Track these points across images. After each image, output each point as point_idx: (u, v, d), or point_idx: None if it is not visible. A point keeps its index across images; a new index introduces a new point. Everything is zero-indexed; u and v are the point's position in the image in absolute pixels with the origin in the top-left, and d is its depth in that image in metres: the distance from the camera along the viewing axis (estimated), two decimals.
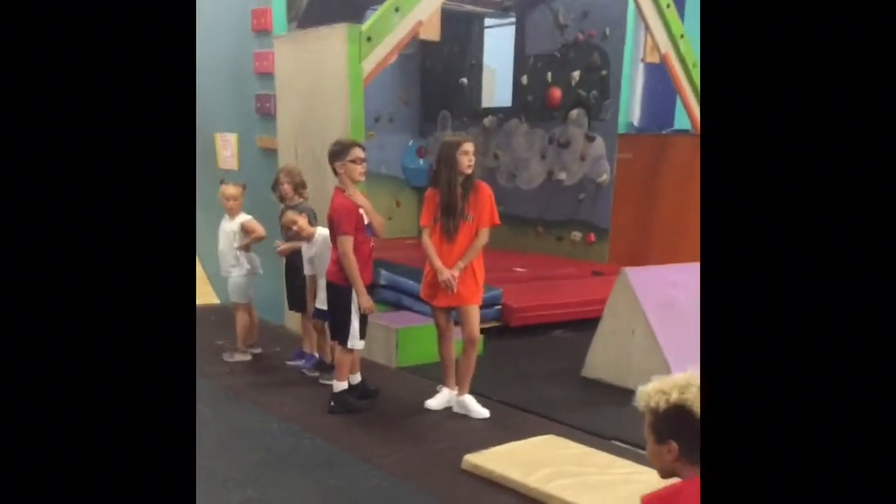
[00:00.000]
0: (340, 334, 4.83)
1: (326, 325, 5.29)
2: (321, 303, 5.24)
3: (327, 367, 5.41)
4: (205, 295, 7.40)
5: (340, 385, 4.87)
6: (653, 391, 1.93)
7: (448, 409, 4.87)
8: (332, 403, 4.85)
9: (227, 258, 5.81)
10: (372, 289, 5.04)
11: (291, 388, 5.34)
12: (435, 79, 10.54)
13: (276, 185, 5.66)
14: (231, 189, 5.78)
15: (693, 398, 1.85)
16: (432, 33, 6.94)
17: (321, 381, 5.33)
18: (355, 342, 4.82)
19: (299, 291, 5.60)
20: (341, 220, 4.65)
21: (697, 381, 1.84)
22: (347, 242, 4.62)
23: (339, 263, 4.71)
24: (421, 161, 10.47)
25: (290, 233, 5.37)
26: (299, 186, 5.56)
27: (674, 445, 1.91)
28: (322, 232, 5.14)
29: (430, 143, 10.27)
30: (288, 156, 6.33)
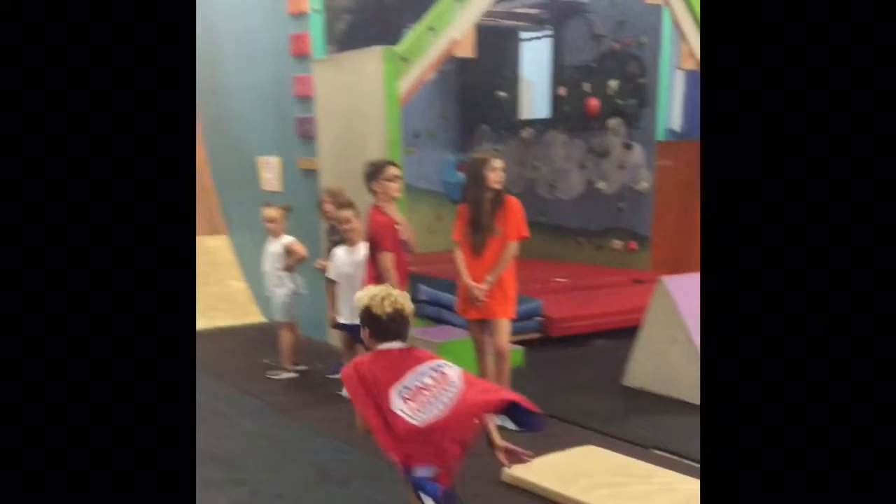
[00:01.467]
0: None
1: (354, 338, 5.41)
2: (344, 316, 5.32)
3: None
4: (250, 314, 7.54)
5: None
6: (359, 297, 2.84)
7: None
8: None
9: (270, 278, 5.95)
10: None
11: (333, 403, 5.38)
12: (473, 93, 10.59)
13: (321, 205, 5.81)
14: (272, 211, 5.92)
15: (376, 303, 2.75)
16: (467, 50, 6.99)
17: None
18: None
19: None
20: (382, 238, 4.73)
21: (383, 291, 2.79)
22: (388, 259, 4.71)
23: (377, 280, 4.79)
24: (460, 175, 10.52)
25: (342, 227, 5.42)
26: (343, 206, 5.66)
27: (367, 331, 2.81)
28: (365, 246, 5.22)
29: (469, 157, 10.32)
30: (329, 176, 6.44)
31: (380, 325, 2.81)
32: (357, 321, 5.10)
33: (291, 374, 5.95)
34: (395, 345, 2.78)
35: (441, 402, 2.61)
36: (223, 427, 4.91)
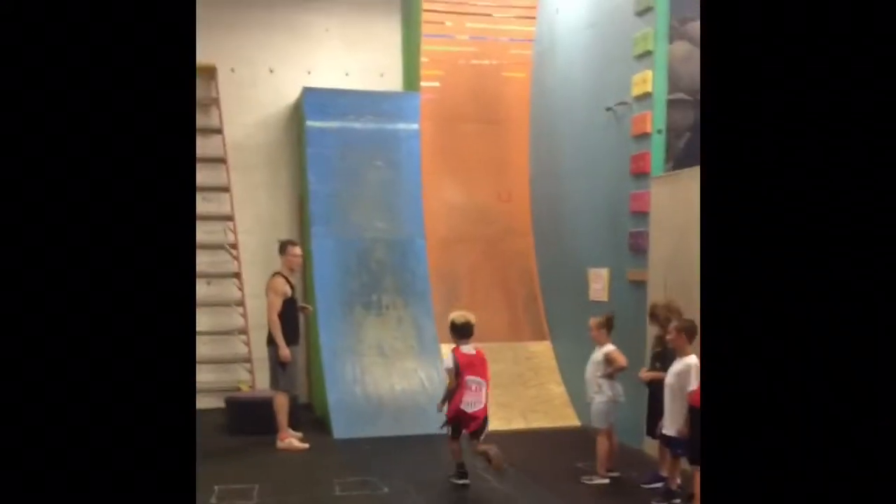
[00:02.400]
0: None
1: (673, 451, 5.25)
2: (669, 429, 5.18)
3: (674, 494, 5.30)
4: (566, 417, 7.59)
5: None
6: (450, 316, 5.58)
7: None
8: None
9: (591, 385, 5.97)
10: None
11: None
12: None
13: (653, 315, 5.83)
14: (598, 320, 6.08)
15: (456, 317, 5.67)
16: None
17: None
18: None
19: (658, 420, 5.57)
20: None
21: (460, 311, 5.76)
22: None
23: None
24: None
25: (668, 338, 5.35)
26: (668, 318, 5.61)
27: (453, 335, 5.49)
28: (692, 360, 5.12)
29: None
30: (657, 288, 6.45)
31: (456, 330, 5.58)
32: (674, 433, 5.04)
33: (605, 481, 5.86)
34: (468, 347, 5.59)
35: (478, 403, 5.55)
36: None
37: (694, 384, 4.89)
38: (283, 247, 7.01)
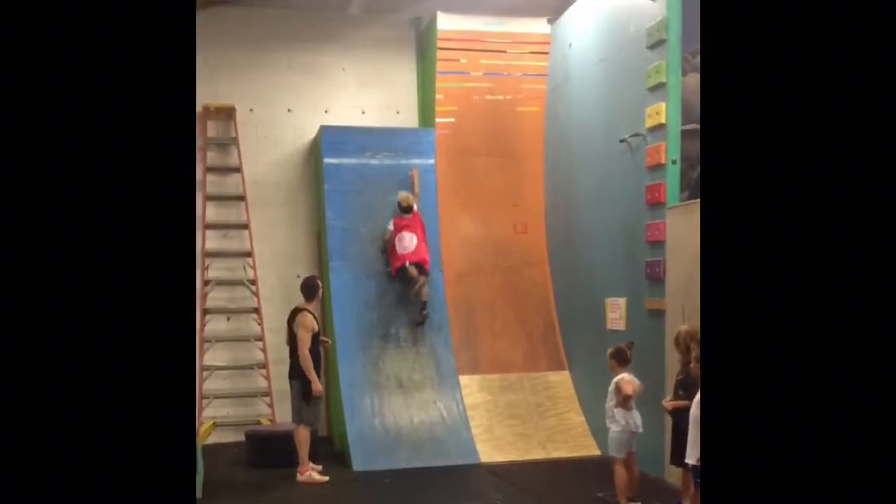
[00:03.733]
0: None
1: (696, 481, 5.13)
2: (691, 457, 5.07)
3: None
4: (586, 447, 7.46)
5: None
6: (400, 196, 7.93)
7: None
8: None
9: (607, 413, 5.92)
10: None
11: None
12: None
13: (677, 343, 5.74)
14: (609, 351, 6.01)
15: (402, 198, 8.01)
16: None
17: None
18: None
19: (682, 448, 5.45)
20: None
21: (405, 193, 8.04)
22: None
23: None
24: None
25: (691, 367, 5.28)
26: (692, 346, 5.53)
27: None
28: None
29: None
30: (675, 316, 6.38)
31: (399, 207, 7.74)
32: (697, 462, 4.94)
33: None
34: (408, 215, 7.84)
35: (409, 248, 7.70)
36: None
37: None
38: (316, 287, 7.01)
